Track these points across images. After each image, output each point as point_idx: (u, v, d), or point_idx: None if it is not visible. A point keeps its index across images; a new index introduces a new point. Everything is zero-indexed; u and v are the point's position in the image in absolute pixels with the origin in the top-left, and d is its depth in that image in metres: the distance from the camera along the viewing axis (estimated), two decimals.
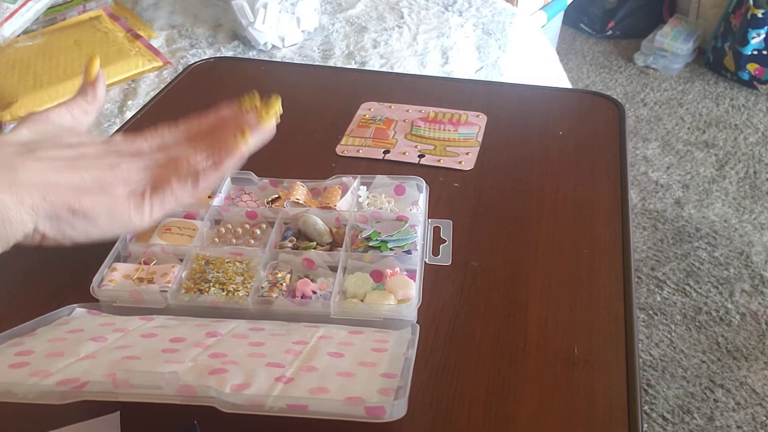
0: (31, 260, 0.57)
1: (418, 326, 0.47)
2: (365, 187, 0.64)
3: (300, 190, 0.63)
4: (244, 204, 0.63)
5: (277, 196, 0.63)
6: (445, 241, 0.60)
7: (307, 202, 0.62)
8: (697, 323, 1.58)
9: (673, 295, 1.66)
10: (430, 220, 0.61)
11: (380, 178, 0.64)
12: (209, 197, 0.63)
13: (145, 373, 0.36)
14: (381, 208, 0.62)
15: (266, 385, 0.37)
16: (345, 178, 0.64)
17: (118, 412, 0.45)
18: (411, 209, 0.62)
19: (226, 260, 0.55)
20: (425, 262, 0.56)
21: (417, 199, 0.63)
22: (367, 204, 0.63)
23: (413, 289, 0.52)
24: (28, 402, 0.36)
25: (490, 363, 0.49)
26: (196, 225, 0.59)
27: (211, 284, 0.53)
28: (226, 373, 0.37)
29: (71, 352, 0.40)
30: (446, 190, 0.68)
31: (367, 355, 0.42)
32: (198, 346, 0.41)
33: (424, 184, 0.63)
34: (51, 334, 0.43)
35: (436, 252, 0.58)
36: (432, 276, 0.57)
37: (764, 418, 1.37)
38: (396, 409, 0.35)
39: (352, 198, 0.63)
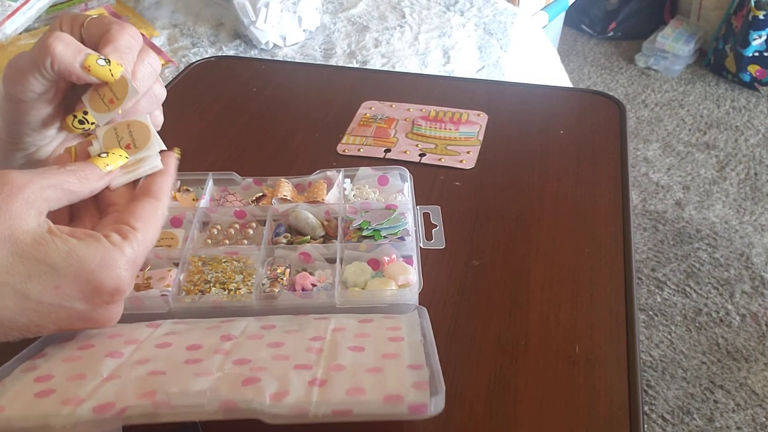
0: None
1: (423, 308, 0.47)
2: (349, 180, 0.65)
3: (286, 187, 0.63)
4: (230, 204, 0.63)
5: (261, 194, 0.63)
6: (436, 225, 0.60)
7: (294, 198, 0.62)
8: (697, 324, 1.58)
9: (674, 296, 1.66)
10: (418, 206, 0.62)
11: (363, 170, 0.65)
12: (194, 200, 0.63)
13: (186, 394, 0.36)
14: (367, 199, 0.63)
15: (303, 391, 0.37)
16: (329, 172, 0.64)
17: None
18: (396, 197, 0.63)
19: (223, 260, 0.55)
20: (420, 247, 0.57)
21: (401, 188, 0.64)
22: (353, 195, 0.63)
23: (412, 274, 0.53)
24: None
25: (492, 361, 0.49)
26: (174, 234, 0.59)
27: (212, 284, 0.53)
28: (260, 381, 0.37)
29: (93, 373, 0.39)
30: (447, 189, 0.68)
31: (386, 345, 0.42)
32: (218, 352, 0.41)
33: (407, 173, 0.64)
34: (62, 353, 0.42)
35: (429, 237, 0.59)
36: (430, 261, 0.58)
37: (764, 419, 1.37)
38: (435, 405, 0.36)
39: (339, 190, 0.63)
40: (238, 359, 0.40)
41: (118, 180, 0.41)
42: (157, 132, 0.44)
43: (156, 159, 0.42)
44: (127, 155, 0.41)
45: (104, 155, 0.40)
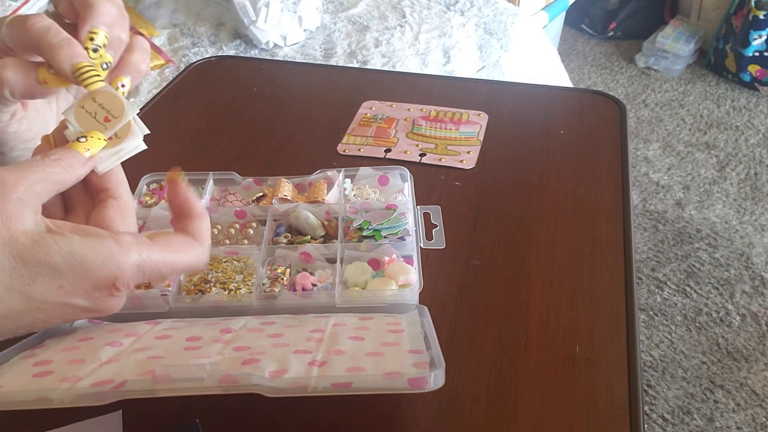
0: None
1: (424, 307, 0.47)
2: (350, 180, 0.65)
3: (286, 187, 0.63)
4: (230, 204, 0.63)
5: (262, 194, 0.63)
6: (437, 225, 0.60)
7: (295, 198, 0.62)
8: (697, 324, 1.58)
9: (674, 296, 1.65)
10: (418, 206, 0.62)
11: (363, 170, 0.65)
12: None
13: (185, 367, 0.36)
14: (367, 199, 0.63)
15: (302, 370, 0.37)
16: (330, 172, 0.64)
17: (120, 411, 0.45)
18: (396, 197, 0.63)
19: (223, 260, 0.55)
20: (420, 247, 0.57)
21: (402, 188, 0.64)
22: (354, 195, 0.63)
23: (413, 274, 0.53)
24: (64, 407, 0.36)
25: (492, 361, 0.49)
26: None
27: (212, 284, 0.53)
28: (259, 362, 0.37)
29: (92, 358, 0.39)
30: (447, 189, 0.68)
31: (386, 336, 0.43)
32: (218, 342, 0.41)
33: (407, 173, 0.64)
34: (62, 344, 0.43)
35: (429, 237, 0.59)
36: (430, 261, 0.57)
37: (764, 419, 1.37)
38: (436, 379, 0.36)
39: (339, 190, 0.63)
40: (237, 346, 0.40)
41: (104, 165, 0.40)
42: (153, 132, 0.43)
43: (138, 139, 0.40)
44: (105, 138, 0.39)
45: (83, 140, 0.39)
